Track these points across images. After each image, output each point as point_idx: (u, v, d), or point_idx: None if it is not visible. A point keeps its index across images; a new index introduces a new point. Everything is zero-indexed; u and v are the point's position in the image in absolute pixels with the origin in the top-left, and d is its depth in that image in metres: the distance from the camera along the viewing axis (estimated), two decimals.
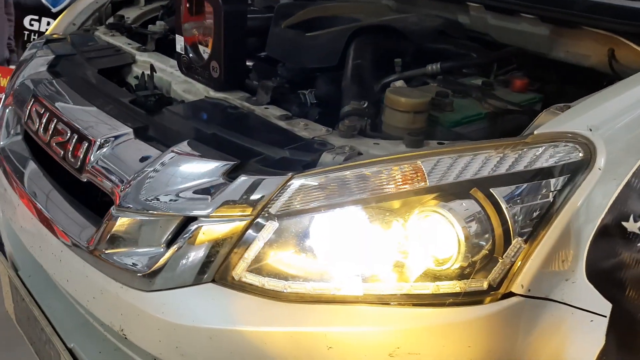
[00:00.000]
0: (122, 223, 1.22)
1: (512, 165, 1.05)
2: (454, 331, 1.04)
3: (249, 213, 1.12)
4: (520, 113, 1.42)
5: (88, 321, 1.48)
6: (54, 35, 1.99)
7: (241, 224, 1.12)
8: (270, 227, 1.10)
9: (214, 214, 1.13)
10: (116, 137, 1.34)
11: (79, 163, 1.35)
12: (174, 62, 1.65)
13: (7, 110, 1.77)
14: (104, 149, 1.33)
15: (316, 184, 1.11)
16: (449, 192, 1.06)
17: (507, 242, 1.04)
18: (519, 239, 1.03)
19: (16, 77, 1.79)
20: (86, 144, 1.35)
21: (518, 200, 1.05)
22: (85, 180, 1.34)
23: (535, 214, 1.05)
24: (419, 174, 1.07)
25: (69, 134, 1.40)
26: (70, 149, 1.38)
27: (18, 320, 1.78)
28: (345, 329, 1.05)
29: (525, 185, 1.05)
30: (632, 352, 1.02)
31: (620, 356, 1.02)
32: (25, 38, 2.75)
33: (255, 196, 1.12)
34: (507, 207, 1.04)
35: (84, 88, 1.57)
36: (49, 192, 1.49)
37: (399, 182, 1.08)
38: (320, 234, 1.10)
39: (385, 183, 1.09)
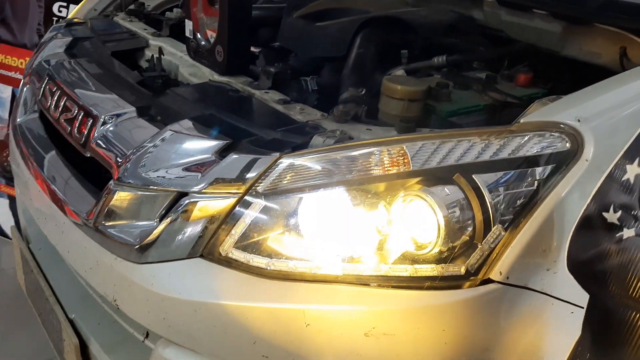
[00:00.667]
0: (119, 197, 1.26)
1: (496, 153, 1.06)
2: (430, 314, 1.05)
3: (237, 190, 1.14)
4: (520, 106, 1.41)
5: (89, 294, 1.53)
6: (75, 20, 2.05)
7: (230, 201, 1.15)
8: (257, 205, 1.13)
9: (204, 191, 1.16)
10: (119, 115, 1.38)
11: (83, 139, 1.40)
12: (184, 47, 1.70)
13: (25, 89, 1.84)
14: (107, 126, 1.37)
15: (303, 164, 1.13)
16: (432, 177, 1.06)
17: (488, 228, 1.04)
18: (499, 225, 1.04)
19: (35, 58, 1.86)
20: (91, 121, 1.40)
21: (500, 188, 1.05)
22: (88, 155, 1.39)
23: (517, 202, 1.05)
24: (403, 158, 1.08)
25: (76, 111, 1.45)
26: (77, 125, 1.43)
27: (28, 291, 1.84)
28: (324, 307, 1.07)
29: (508, 172, 1.05)
30: (605, 343, 1.01)
31: (595, 347, 1.01)
32: (54, 24, 2.84)
33: (244, 174, 1.15)
34: (488, 194, 1.04)
35: (95, 69, 1.63)
36: (58, 167, 1.54)
37: (383, 165, 1.10)
38: (305, 213, 1.12)
39: (370, 166, 1.10)
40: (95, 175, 1.47)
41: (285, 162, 1.13)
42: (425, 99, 1.35)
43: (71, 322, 1.51)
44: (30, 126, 1.75)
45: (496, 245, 1.04)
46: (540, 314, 1.06)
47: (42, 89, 1.65)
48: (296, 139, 1.21)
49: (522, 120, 1.09)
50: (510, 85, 1.56)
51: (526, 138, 1.07)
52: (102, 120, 1.38)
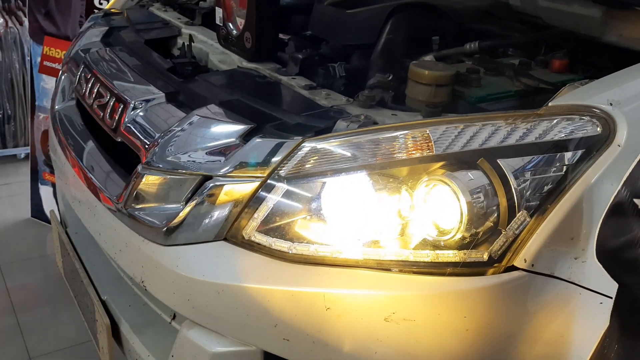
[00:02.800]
0: (147, 180, 1.28)
1: (522, 137, 1.03)
2: (451, 300, 1.03)
3: (260, 174, 1.15)
4: (552, 92, 1.37)
5: (120, 276, 1.57)
6: (112, 10, 2.10)
7: (253, 185, 1.15)
8: (280, 189, 1.13)
9: (228, 174, 1.17)
10: (149, 101, 1.40)
11: (114, 124, 1.43)
12: (215, 35, 1.71)
13: (63, 77, 1.89)
14: (137, 111, 1.40)
15: (326, 148, 1.12)
16: (456, 162, 1.05)
17: (512, 214, 1.02)
18: (524, 212, 1.01)
19: (73, 47, 1.91)
20: (121, 106, 1.42)
21: (527, 173, 1.02)
22: (119, 140, 1.42)
23: (544, 188, 1.02)
24: (426, 142, 1.07)
25: (108, 97, 1.48)
26: (109, 110, 1.46)
27: (65, 273, 1.90)
28: (343, 291, 1.06)
29: (535, 157, 1.03)
30: (634, 334, 0.97)
31: (623, 338, 0.97)
32: None
33: (267, 158, 1.15)
34: (513, 179, 1.01)
35: (129, 57, 1.66)
36: (92, 153, 1.58)
37: (406, 149, 1.08)
38: (327, 198, 1.11)
39: (393, 150, 1.09)
40: (127, 161, 1.51)
41: (307, 146, 1.13)
42: (453, 84, 1.32)
43: (103, 303, 1.54)
44: (68, 113, 1.80)
45: (521, 232, 1.01)
46: (567, 303, 1.03)
47: (78, 76, 1.69)
48: (320, 123, 1.21)
49: (550, 104, 1.06)
50: (544, 71, 1.52)
51: (554, 122, 1.03)
52: (132, 105, 1.40)
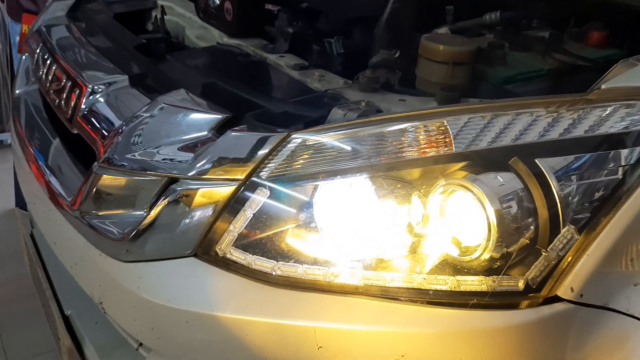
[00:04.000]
0: (104, 182, 1.07)
1: (568, 130, 0.81)
2: (476, 340, 0.82)
3: (237, 176, 0.93)
4: (595, 70, 1.14)
5: None
6: None
7: (228, 189, 0.95)
8: (261, 194, 0.93)
9: (198, 176, 0.96)
10: (109, 85, 1.19)
11: (69, 112, 1.21)
12: (194, 7, 1.48)
13: (24, 57, 1.67)
14: (95, 97, 1.18)
15: (318, 144, 0.92)
16: (482, 162, 0.84)
17: (555, 230, 0.81)
18: (571, 227, 0.80)
19: (36, 21, 1.68)
20: (78, 91, 1.20)
21: (573, 176, 0.81)
22: (75, 132, 1.20)
23: (596, 196, 0.81)
24: (443, 137, 0.84)
25: (64, 81, 1.26)
26: (64, 96, 1.24)
27: (33, 279, 1.70)
28: (340, 325, 0.86)
29: (584, 156, 0.81)
30: None
31: None
32: None
33: (245, 156, 0.94)
34: (557, 184, 0.80)
35: (93, 33, 1.44)
36: (51, 146, 1.37)
37: (419, 146, 0.86)
38: (319, 206, 0.92)
39: (402, 146, 0.88)
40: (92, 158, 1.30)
41: (295, 141, 0.93)
42: (473, 62, 1.11)
43: (66, 319, 1.35)
44: (29, 99, 1.58)
45: (566, 253, 0.79)
46: (624, 341, 0.83)
47: (36, 56, 1.47)
48: (311, 112, 1.01)
49: (603, 86, 0.83)
50: (579, 45, 1.29)
51: (609, 110, 0.82)
52: (89, 90, 1.18)
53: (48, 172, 1.29)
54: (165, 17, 1.44)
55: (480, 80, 1.11)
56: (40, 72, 1.41)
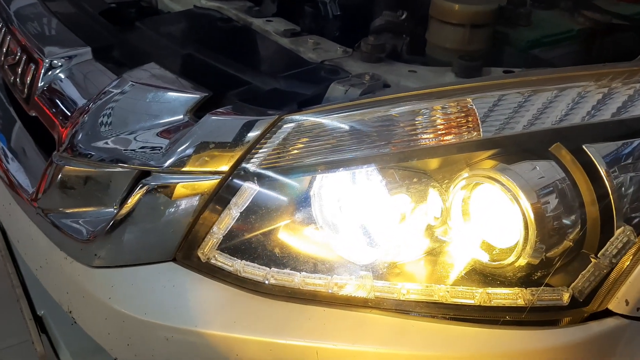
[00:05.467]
0: (65, 173, 0.93)
1: (623, 108, 0.66)
2: None
3: (219, 168, 0.80)
4: (632, 29, 1.00)
5: None
6: None
7: (209, 184, 0.81)
8: (249, 189, 0.79)
9: (173, 168, 0.82)
10: (70, 58, 1.03)
11: (25, 91, 1.05)
12: None
13: None
14: (54, 73, 1.03)
15: (315, 128, 0.79)
16: (515, 149, 0.72)
17: (608, 230, 0.69)
18: (627, 227, 0.67)
19: None
20: (34, 67, 1.05)
21: (629, 166, 0.67)
22: (33, 114, 1.05)
23: None
24: (468, 119, 0.70)
25: (18, 54, 1.10)
26: (19, 72, 1.09)
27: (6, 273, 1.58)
28: (346, 346, 0.74)
29: None
30: None
31: None
32: None
33: (228, 145, 0.81)
34: (609, 175, 0.66)
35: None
36: (10, 128, 1.22)
37: (436, 130, 0.72)
38: (317, 203, 0.80)
39: (415, 131, 0.73)
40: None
41: (288, 125, 0.79)
42: (494, 23, 0.95)
43: (39, 320, 1.22)
44: None
45: (621, 259, 0.66)
46: None
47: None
48: (306, 88, 0.89)
49: None
50: (610, 1, 1.13)
51: None
52: (46, 65, 1.02)
53: (8, 159, 1.15)
54: None
55: (503, 45, 0.97)
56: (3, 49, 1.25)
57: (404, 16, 1.00)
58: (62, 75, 1.04)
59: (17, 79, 1.11)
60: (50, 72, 1.04)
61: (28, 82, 1.06)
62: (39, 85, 1.05)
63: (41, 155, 1.14)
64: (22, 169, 1.13)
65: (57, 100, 1.02)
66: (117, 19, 1.16)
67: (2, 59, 1.19)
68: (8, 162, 1.14)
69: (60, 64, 1.04)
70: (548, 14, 1.07)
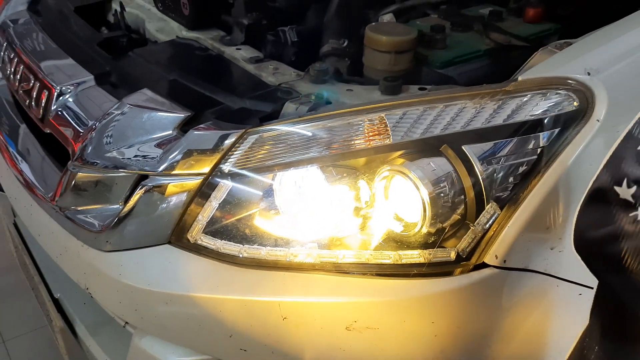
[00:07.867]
0: (79, 179, 1.15)
1: (490, 118, 0.91)
2: (417, 305, 0.94)
3: (202, 170, 1.02)
4: (528, 48, 1.24)
5: None
6: None
7: (194, 182, 1.03)
8: (224, 186, 1.01)
9: (166, 172, 1.04)
10: (77, 85, 1.25)
11: (41, 112, 1.27)
12: None
13: None
14: (65, 98, 1.24)
15: (272, 139, 1.00)
16: (416, 150, 0.93)
17: (481, 206, 0.91)
18: (494, 203, 0.90)
19: None
20: (46, 92, 1.26)
21: (495, 159, 0.91)
22: (48, 131, 1.27)
23: (515, 175, 0.91)
24: (383, 129, 0.94)
25: (32, 81, 1.32)
26: (34, 97, 1.30)
27: (20, 265, 1.79)
28: (300, 298, 0.97)
29: (504, 141, 0.91)
30: (616, 338, 0.89)
31: (605, 340, 0.89)
32: None
33: (207, 153, 1.02)
34: (480, 167, 0.90)
35: (55, 29, 1.48)
36: (26, 142, 1.43)
37: (363, 136, 0.96)
38: (277, 194, 1.00)
39: (348, 138, 0.96)
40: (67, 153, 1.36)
41: (253, 136, 1.00)
42: (415, 48, 1.18)
43: (56, 302, 1.44)
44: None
45: (490, 226, 0.91)
46: (543, 297, 0.94)
47: (2, 55, 1.51)
48: (266, 107, 1.08)
49: (520, 78, 0.93)
50: (518, 21, 1.37)
51: (525, 99, 0.91)
52: (57, 91, 1.24)
53: (25, 168, 1.36)
54: (125, 10, 1.48)
55: (422, 64, 1.19)
56: (8, 72, 1.46)
57: (345, 44, 1.22)
58: (71, 100, 1.23)
59: (32, 102, 1.33)
60: (61, 98, 1.24)
61: (43, 105, 1.28)
62: (52, 108, 1.26)
63: (51, 162, 1.36)
64: (38, 176, 1.34)
65: (68, 120, 1.22)
66: (112, 49, 1.37)
67: (17, 84, 1.41)
68: (26, 171, 1.36)
69: (69, 90, 1.26)
70: (463, 36, 1.28)
